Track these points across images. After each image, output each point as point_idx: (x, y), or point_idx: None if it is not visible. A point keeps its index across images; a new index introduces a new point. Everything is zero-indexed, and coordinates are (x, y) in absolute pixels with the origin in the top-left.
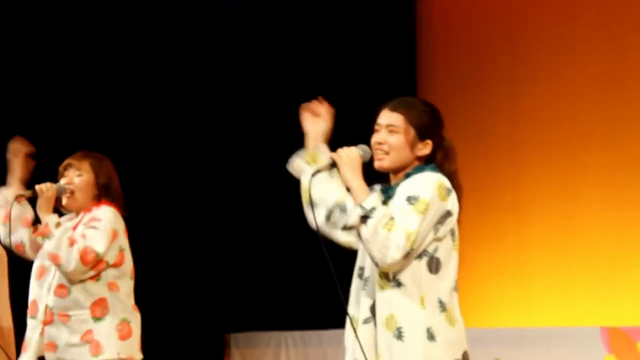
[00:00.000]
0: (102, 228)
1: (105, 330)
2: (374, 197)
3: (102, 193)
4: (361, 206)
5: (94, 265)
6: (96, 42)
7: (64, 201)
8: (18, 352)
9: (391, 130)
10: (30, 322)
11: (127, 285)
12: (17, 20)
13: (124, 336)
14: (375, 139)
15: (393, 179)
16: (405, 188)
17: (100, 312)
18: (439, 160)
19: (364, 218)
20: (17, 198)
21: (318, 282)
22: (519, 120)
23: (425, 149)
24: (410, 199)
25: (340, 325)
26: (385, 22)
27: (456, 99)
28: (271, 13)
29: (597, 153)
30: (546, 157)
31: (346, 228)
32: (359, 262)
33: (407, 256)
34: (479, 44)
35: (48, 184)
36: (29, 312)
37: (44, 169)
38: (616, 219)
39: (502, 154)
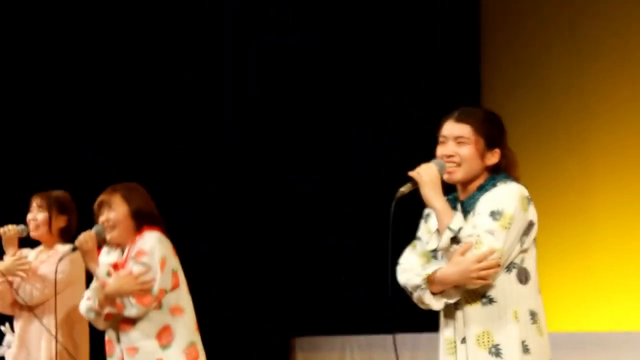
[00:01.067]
0: (149, 263)
1: (175, 356)
2: (459, 217)
3: (140, 220)
4: (450, 228)
5: (152, 300)
6: (96, 42)
7: (108, 238)
8: None
9: (460, 142)
10: None
11: (189, 304)
12: (17, 20)
13: (193, 359)
14: (443, 151)
15: (462, 191)
16: (487, 203)
17: (166, 340)
18: (505, 168)
19: (454, 240)
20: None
21: (383, 287)
22: (586, 123)
23: (493, 157)
24: (495, 215)
25: (404, 329)
26: (449, 29)
27: (519, 102)
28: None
29: None
30: (615, 161)
31: (436, 251)
32: None
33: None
34: (540, 43)
35: (86, 235)
36: (107, 352)
37: (44, 169)
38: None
39: (569, 156)
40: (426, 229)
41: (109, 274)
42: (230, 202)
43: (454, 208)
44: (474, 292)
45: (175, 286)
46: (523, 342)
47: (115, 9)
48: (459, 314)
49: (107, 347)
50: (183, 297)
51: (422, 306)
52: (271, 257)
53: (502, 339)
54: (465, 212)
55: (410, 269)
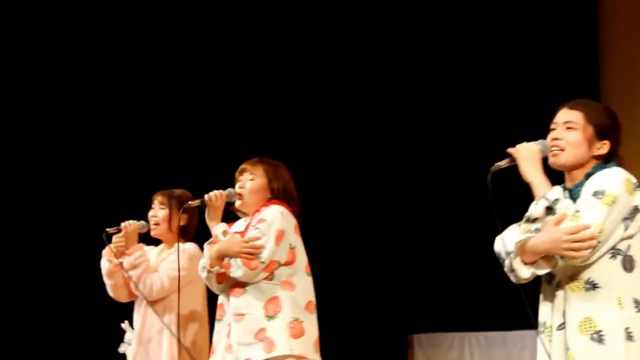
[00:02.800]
0: (265, 231)
1: (278, 328)
2: (557, 190)
3: (275, 196)
4: (545, 197)
5: (264, 267)
6: (96, 43)
7: (237, 204)
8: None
9: (569, 127)
10: (217, 326)
11: (303, 283)
12: (17, 20)
13: (297, 334)
14: (551, 135)
15: (568, 179)
16: (590, 184)
17: (273, 311)
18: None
19: (549, 209)
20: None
21: (501, 284)
22: None
23: (602, 149)
24: (597, 194)
25: (525, 326)
26: (567, 27)
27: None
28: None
29: None
30: None
31: (530, 220)
32: None
33: (594, 249)
34: None
35: (217, 192)
36: (217, 316)
37: (166, 168)
38: None
39: None
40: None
41: (224, 234)
42: (348, 198)
43: None
44: (577, 277)
45: (290, 262)
46: (627, 329)
47: (115, 9)
48: (558, 300)
49: (218, 311)
50: (298, 275)
51: (511, 276)
52: (389, 254)
53: (605, 325)
54: (573, 200)
55: (507, 238)
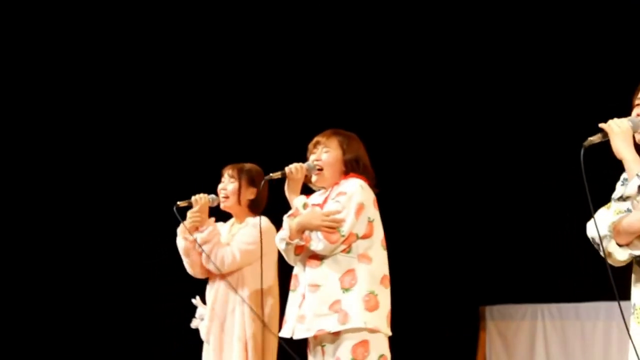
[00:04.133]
0: (345, 205)
1: (353, 301)
2: None
3: (350, 169)
4: (638, 175)
5: (344, 240)
6: (97, 43)
7: (314, 178)
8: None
9: None
10: (290, 296)
11: (379, 256)
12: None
13: (371, 308)
14: (637, 111)
15: None
16: None
17: (349, 283)
18: None
19: None
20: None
21: (572, 255)
22: None
23: None
24: None
25: (598, 297)
26: None
27: None
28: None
29: None
30: None
31: (621, 199)
32: None
33: None
34: None
35: (298, 165)
36: (291, 287)
37: (237, 141)
38: None
39: None
40: (622, 191)
41: (304, 206)
42: (424, 173)
43: None
44: None
45: (368, 235)
46: None
47: (115, 9)
48: None
49: (292, 282)
50: (374, 248)
51: (608, 259)
52: (461, 224)
53: None
54: None
55: (599, 221)
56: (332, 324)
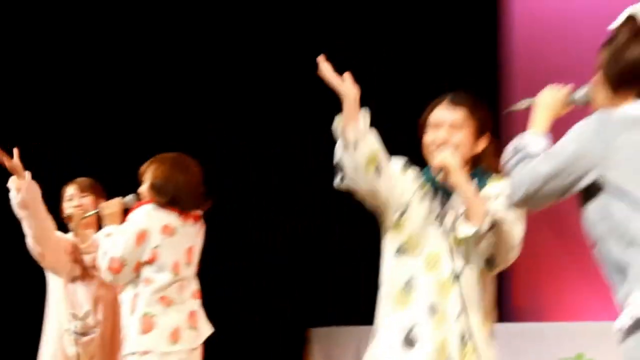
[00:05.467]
0: (123, 232)
1: (133, 324)
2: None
3: (154, 194)
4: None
5: (122, 268)
6: (97, 43)
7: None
8: None
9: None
10: None
11: (163, 279)
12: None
13: (145, 330)
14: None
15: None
16: None
17: (132, 308)
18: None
19: None
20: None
21: None
22: None
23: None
24: None
25: None
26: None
27: None
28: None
29: None
30: None
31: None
32: None
33: None
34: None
35: (113, 200)
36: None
37: (47, 166)
38: None
39: None
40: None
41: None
42: (249, 194)
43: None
44: None
45: (151, 261)
46: None
47: (116, 9)
48: None
49: None
50: (161, 273)
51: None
52: (287, 247)
53: None
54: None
55: None
56: (125, 349)
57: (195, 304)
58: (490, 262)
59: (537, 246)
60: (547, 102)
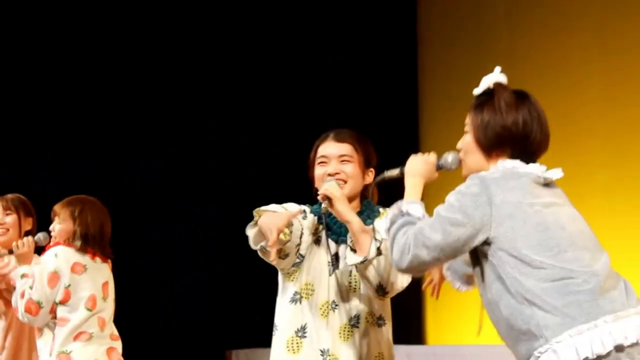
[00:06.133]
0: (37, 276)
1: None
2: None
3: (73, 239)
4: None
5: (39, 311)
6: (97, 44)
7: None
8: None
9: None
10: None
11: (78, 317)
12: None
13: None
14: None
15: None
16: None
17: (51, 347)
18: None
19: None
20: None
21: None
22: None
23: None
24: None
25: None
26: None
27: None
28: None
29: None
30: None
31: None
32: None
33: None
34: (478, 25)
35: (25, 240)
36: None
37: (48, 166)
38: (618, 228)
39: None
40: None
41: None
42: (232, 215)
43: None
44: None
45: (64, 301)
46: None
47: (116, 9)
48: None
49: None
50: (76, 312)
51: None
52: (207, 267)
53: None
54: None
55: None
56: None
57: (115, 344)
58: (381, 289)
59: None
60: (417, 169)
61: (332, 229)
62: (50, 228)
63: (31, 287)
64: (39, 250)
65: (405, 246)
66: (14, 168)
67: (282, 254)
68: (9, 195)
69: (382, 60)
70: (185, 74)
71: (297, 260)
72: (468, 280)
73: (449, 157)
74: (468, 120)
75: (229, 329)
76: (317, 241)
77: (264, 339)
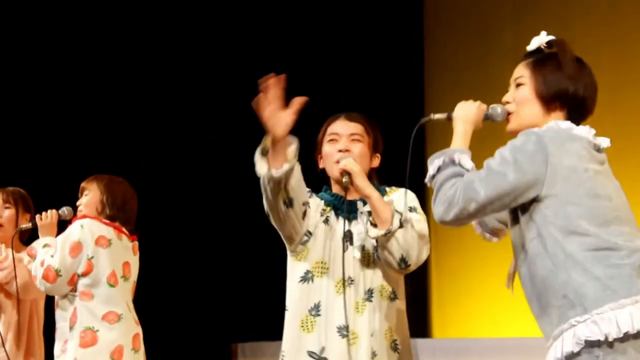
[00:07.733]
0: (59, 244)
1: (73, 338)
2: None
3: (101, 209)
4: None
5: (56, 279)
6: (97, 44)
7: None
8: None
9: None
10: None
11: (102, 293)
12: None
13: (86, 344)
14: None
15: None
16: None
17: (72, 322)
18: None
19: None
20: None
21: None
22: None
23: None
24: None
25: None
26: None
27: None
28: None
29: None
30: None
31: None
32: None
33: None
34: (485, 19)
35: (49, 212)
36: None
37: (48, 166)
38: None
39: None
40: None
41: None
42: (241, 209)
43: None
44: None
45: (86, 272)
46: None
47: (116, 9)
48: None
49: None
50: (98, 287)
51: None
52: (213, 260)
53: None
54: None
55: None
56: None
57: (139, 330)
58: (403, 261)
59: None
60: (469, 115)
61: (342, 208)
62: (78, 203)
63: (52, 256)
64: (62, 225)
65: (453, 198)
66: (14, 167)
67: (289, 192)
68: (10, 188)
69: (388, 54)
70: (185, 73)
71: (305, 238)
72: (496, 233)
73: (498, 109)
74: (523, 72)
75: (235, 323)
76: (326, 220)
77: (270, 332)
